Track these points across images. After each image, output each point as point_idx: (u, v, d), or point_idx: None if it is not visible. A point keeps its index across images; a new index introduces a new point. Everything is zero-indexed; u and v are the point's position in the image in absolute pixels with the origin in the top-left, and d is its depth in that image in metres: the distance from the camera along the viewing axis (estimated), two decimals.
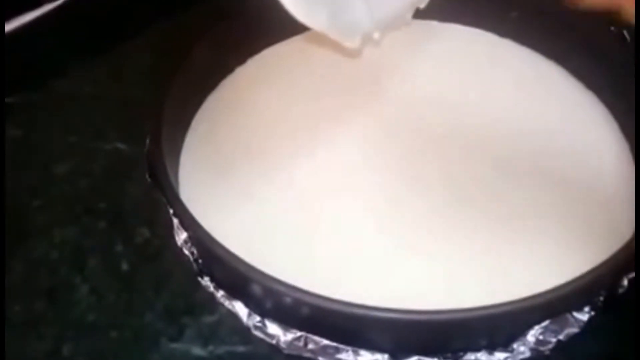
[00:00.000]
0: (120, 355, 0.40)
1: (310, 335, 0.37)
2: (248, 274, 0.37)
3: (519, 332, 0.37)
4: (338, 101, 0.51)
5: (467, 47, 0.54)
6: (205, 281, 0.40)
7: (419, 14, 0.49)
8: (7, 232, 0.44)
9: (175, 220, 0.41)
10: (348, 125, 0.49)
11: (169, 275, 0.43)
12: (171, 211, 0.41)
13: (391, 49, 0.53)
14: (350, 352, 0.37)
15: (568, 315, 0.37)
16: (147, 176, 0.44)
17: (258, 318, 0.38)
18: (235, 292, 0.39)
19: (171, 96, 0.46)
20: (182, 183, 0.45)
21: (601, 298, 0.38)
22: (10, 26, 0.53)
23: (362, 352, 0.37)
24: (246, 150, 0.48)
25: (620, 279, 0.39)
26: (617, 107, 0.49)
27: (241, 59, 0.53)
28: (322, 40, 0.47)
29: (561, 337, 0.37)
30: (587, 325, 0.38)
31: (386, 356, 0.37)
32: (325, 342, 0.37)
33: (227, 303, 0.39)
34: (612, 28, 0.48)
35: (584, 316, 0.38)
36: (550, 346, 0.37)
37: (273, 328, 0.38)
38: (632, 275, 0.39)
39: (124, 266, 0.43)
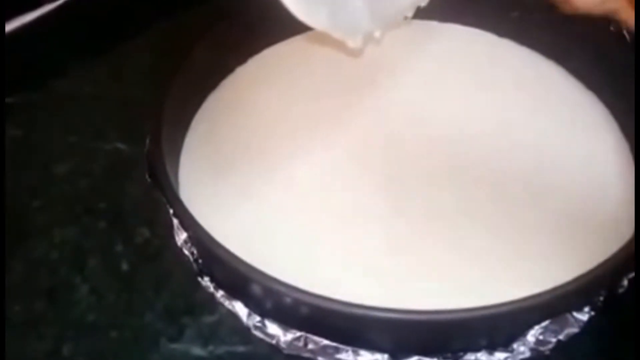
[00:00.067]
0: (120, 355, 0.40)
1: (310, 335, 0.37)
2: (248, 274, 0.37)
3: (519, 332, 0.37)
4: (338, 101, 0.51)
5: (467, 47, 0.54)
6: (205, 281, 0.40)
7: (419, 14, 0.49)
8: (7, 232, 0.44)
9: (175, 220, 0.41)
10: (348, 125, 0.49)
11: (169, 275, 0.43)
12: (171, 211, 0.41)
13: (391, 48, 0.53)
14: (350, 352, 0.37)
15: (568, 315, 0.37)
16: (147, 176, 0.44)
17: (258, 318, 0.38)
18: (235, 292, 0.39)
19: (171, 96, 0.46)
20: (182, 183, 0.45)
21: (601, 298, 0.38)
22: (10, 26, 0.53)
23: (362, 352, 0.37)
24: (246, 150, 0.48)
25: (620, 279, 0.39)
26: (617, 107, 0.49)
27: (241, 59, 0.53)
28: (322, 40, 0.47)
29: (561, 337, 0.37)
30: (587, 325, 0.38)
31: (386, 356, 0.37)
32: (325, 342, 0.37)
33: (227, 303, 0.39)
34: (612, 28, 0.48)
35: (584, 316, 0.38)
36: (550, 346, 0.37)
37: (273, 328, 0.38)
38: (632, 275, 0.39)
39: (124, 266, 0.43)
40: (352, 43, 0.46)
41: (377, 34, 0.47)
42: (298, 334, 0.37)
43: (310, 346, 0.37)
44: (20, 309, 0.42)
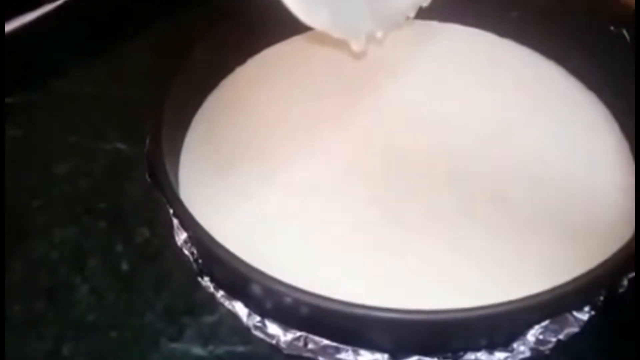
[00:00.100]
0: (120, 355, 0.40)
1: (310, 335, 0.37)
2: (248, 274, 0.37)
3: (519, 332, 0.37)
4: (338, 101, 0.51)
5: (467, 47, 0.54)
6: (205, 281, 0.40)
7: (419, 14, 0.49)
8: (7, 232, 0.44)
9: (175, 220, 0.41)
10: (348, 125, 0.49)
11: (169, 275, 0.43)
12: (171, 211, 0.41)
13: (392, 48, 0.53)
14: (350, 352, 0.37)
15: (568, 315, 0.37)
16: (147, 176, 0.44)
17: (258, 318, 0.38)
18: (235, 292, 0.39)
19: (171, 96, 0.46)
20: (182, 183, 0.45)
21: (601, 298, 0.38)
22: (10, 26, 0.53)
23: (362, 352, 0.37)
24: (246, 150, 0.48)
25: (620, 278, 0.39)
26: (617, 107, 0.49)
27: (241, 59, 0.53)
28: (322, 40, 0.47)
29: (561, 336, 0.37)
30: (587, 325, 0.38)
31: (386, 356, 0.37)
32: (325, 342, 0.37)
33: (227, 303, 0.39)
34: (612, 28, 0.48)
35: (584, 316, 0.38)
36: (550, 346, 0.37)
37: (273, 328, 0.38)
38: (632, 275, 0.39)
39: (124, 266, 0.43)
40: (356, 47, 0.46)
41: (379, 34, 0.47)
42: (298, 334, 0.37)
43: (310, 346, 0.37)
44: (20, 309, 0.42)
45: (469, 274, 0.41)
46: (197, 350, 0.40)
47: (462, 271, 0.41)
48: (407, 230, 0.43)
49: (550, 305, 0.36)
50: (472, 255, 0.42)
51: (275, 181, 0.46)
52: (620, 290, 0.39)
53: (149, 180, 0.44)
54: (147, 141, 0.45)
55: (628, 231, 0.40)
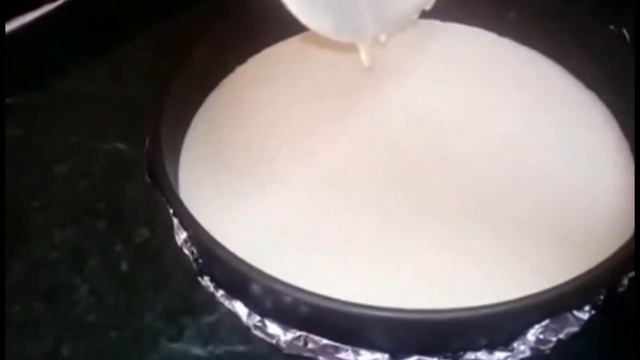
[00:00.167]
0: (120, 355, 0.40)
1: (310, 335, 0.37)
2: (248, 273, 0.37)
3: (519, 331, 0.37)
4: (338, 100, 0.51)
5: (467, 46, 0.54)
6: (205, 281, 0.40)
7: (419, 14, 0.49)
8: (7, 232, 0.44)
9: (175, 220, 0.41)
10: (348, 125, 0.49)
11: (168, 275, 0.43)
12: (171, 211, 0.41)
13: (391, 48, 0.52)
14: (350, 352, 0.37)
15: (568, 314, 0.37)
16: (146, 176, 0.44)
17: (258, 318, 0.38)
18: (235, 292, 0.39)
19: (171, 96, 0.46)
20: (181, 183, 0.45)
21: (601, 297, 0.38)
22: (10, 26, 0.53)
23: (362, 352, 0.37)
24: (246, 150, 0.48)
25: (620, 278, 0.39)
26: (617, 106, 0.49)
27: (241, 59, 0.53)
28: (322, 40, 0.47)
29: (561, 336, 0.37)
30: (588, 324, 0.37)
31: (386, 356, 0.37)
32: (325, 341, 0.37)
33: (226, 303, 0.39)
34: (612, 28, 0.48)
35: (584, 315, 0.37)
36: (550, 345, 0.37)
37: (273, 328, 0.38)
38: (632, 274, 0.39)
39: (124, 266, 0.43)
40: (365, 61, 0.47)
41: (382, 37, 0.47)
42: (298, 333, 0.37)
43: (310, 346, 0.37)
44: (19, 309, 0.42)
45: (469, 274, 0.41)
46: (197, 350, 0.40)
47: (462, 271, 0.41)
48: (408, 230, 0.43)
49: (550, 305, 0.36)
50: (472, 255, 0.42)
51: (275, 181, 0.46)
52: (621, 289, 0.39)
53: (148, 180, 0.44)
54: (147, 141, 0.45)
55: (628, 231, 0.40)
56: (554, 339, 0.37)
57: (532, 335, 0.37)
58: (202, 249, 0.40)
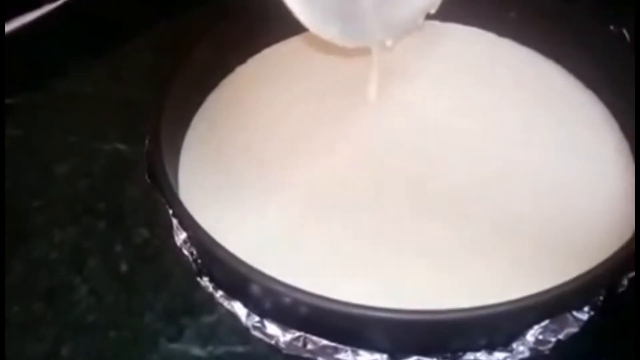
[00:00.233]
0: (120, 355, 0.40)
1: (309, 336, 0.37)
2: (247, 274, 0.37)
3: (519, 332, 0.37)
4: (338, 101, 0.51)
5: (467, 47, 0.54)
6: (205, 281, 0.40)
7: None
8: (7, 232, 0.44)
9: (175, 221, 0.41)
10: (348, 125, 0.49)
11: (168, 276, 0.43)
12: (170, 211, 0.41)
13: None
14: (349, 352, 0.37)
15: (568, 315, 0.37)
16: (146, 176, 0.44)
17: (257, 318, 0.38)
18: (234, 292, 0.39)
19: (171, 96, 0.46)
20: (181, 183, 0.45)
21: (601, 297, 0.38)
22: (10, 26, 0.53)
23: (361, 352, 0.37)
24: (246, 150, 0.48)
25: (620, 278, 0.39)
26: (617, 106, 0.49)
27: (241, 59, 0.53)
28: (322, 40, 0.47)
29: (561, 336, 0.37)
30: (587, 325, 0.37)
31: (385, 356, 0.37)
32: (324, 342, 0.37)
33: (226, 303, 0.39)
34: (612, 27, 0.48)
35: (583, 316, 0.37)
36: (549, 346, 0.37)
37: (272, 328, 0.38)
38: (632, 274, 0.39)
39: (124, 267, 0.43)
40: (371, 94, 0.48)
41: (388, 42, 0.47)
42: (297, 334, 0.37)
43: (309, 346, 0.37)
44: (19, 309, 0.42)
45: (469, 275, 0.41)
46: (196, 350, 0.40)
47: (462, 271, 0.41)
48: (408, 231, 0.43)
49: (549, 305, 0.36)
50: (471, 255, 0.42)
51: (274, 181, 0.46)
52: (620, 290, 0.39)
53: (148, 180, 0.44)
54: (147, 141, 0.45)
55: (628, 231, 0.40)
56: (553, 339, 0.37)
57: (531, 335, 0.37)
58: (202, 249, 0.40)
